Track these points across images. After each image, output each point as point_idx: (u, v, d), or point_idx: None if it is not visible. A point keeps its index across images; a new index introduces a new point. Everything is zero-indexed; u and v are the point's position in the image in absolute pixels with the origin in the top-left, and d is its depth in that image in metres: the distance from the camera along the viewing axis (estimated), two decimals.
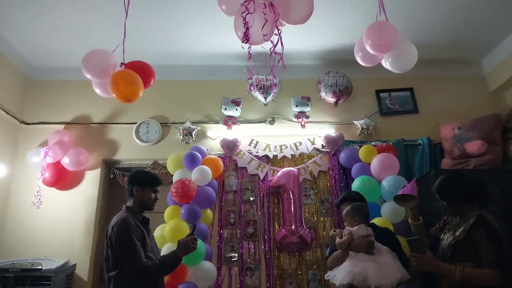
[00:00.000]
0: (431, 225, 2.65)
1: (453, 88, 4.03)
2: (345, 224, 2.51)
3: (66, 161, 3.57)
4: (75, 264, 3.34)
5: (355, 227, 2.38)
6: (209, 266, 3.12)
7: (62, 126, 3.87)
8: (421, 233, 2.48)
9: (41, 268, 3.00)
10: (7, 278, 2.20)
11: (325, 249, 2.95)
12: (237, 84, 3.88)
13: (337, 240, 2.42)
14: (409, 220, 2.61)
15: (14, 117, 3.76)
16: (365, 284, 2.19)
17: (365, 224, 2.41)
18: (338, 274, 2.30)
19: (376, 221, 2.93)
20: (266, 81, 3.76)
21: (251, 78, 3.67)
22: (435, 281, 2.38)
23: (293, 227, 3.40)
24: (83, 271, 3.39)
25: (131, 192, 2.56)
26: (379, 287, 2.17)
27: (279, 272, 3.46)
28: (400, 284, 2.29)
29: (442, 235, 2.36)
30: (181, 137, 3.78)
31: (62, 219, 3.54)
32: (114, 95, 2.55)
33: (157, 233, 3.13)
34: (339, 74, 3.84)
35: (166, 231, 3.05)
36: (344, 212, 2.51)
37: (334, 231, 2.53)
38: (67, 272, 3.18)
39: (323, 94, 3.86)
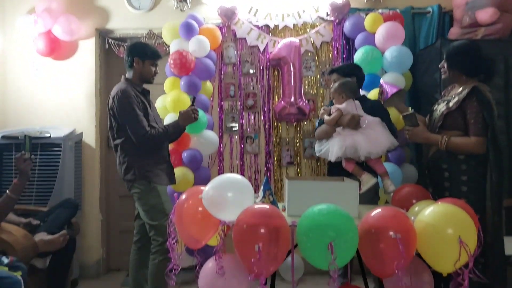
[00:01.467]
0: (429, 96, 2.68)
1: None
2: (333, 101, 2.55)
3: (57, 30, 3.41)
4: (82, 132, 3.48)
5: (343, 104, 2.42)
6: (211, 135, 3.26)
7: None
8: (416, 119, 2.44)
9: (49, 136, 3.14)
10: (23, 144, 2.30)
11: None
12: None
13: (326, 117, 2.47)
14: (401, 117, 2.51)
15: None
16: (357, 155, 2.32)
17: (353, 99, 2.44)
18: (330, 150, 2.41)
19: (375, 91, 2.95)
20: None
21: None
22: (424, 150, 2.53)
23: (292, 99, 3.45)
24: (90, 139, 3.54)
25: (130, 64, 2.53)
26: (369, 155, 2.31)
27: (277, 140, 3.63)
28: (389, 151, 2.44)
29: (437, 105, 2.41)
30: (175, 3, 3.54)
31: (62, 90, 3.55)
32: None
33: (158, 104, 3.19)
34: None
35: (167, 102, 3.10)
36: (332, 89, 2.53)
37: (324, 109, 2.57)
38: (75, 140, 3.33)
39: None
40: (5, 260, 2.01)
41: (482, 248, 1.63)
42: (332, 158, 2.38)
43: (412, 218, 1.68)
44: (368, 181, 2.34)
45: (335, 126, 2.41)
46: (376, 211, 1.63)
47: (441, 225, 1.53)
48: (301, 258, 2.97)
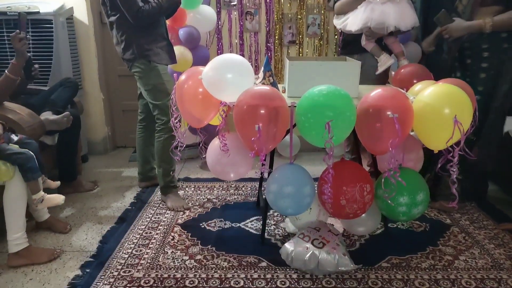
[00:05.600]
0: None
1: None
2: None
3: None
4: (72, 7, 3.27)
5: None
6: (208, 10, 3.08)
7: None
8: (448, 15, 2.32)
9: (38, 11, 2.97)
10: (18, 22, 2.18)
11: None
12: None
13: None
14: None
15: None
16: (382, 27, 2.29)
17: None
18: (353, 21, 2.34)
19: None
20: None
21: None
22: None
23: None
24: (81, 14, 3.34)
25: None
26: (398, 27, 2.29)
27: (279, 16, 3.45)
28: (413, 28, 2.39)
29: None
30: None
31: None
32: None
33: None
34: None
35: None
36: None
37: None
38: (66, 15, 3.15)
39: None
40: (15, 137, 2.09)
41: (474, 127, 1.68)
42: (354, 27, 2.34)
43: (412, 98, 1.69)
44: (386, 61, 2.41)
45: None
46: (376, 91, 1.63)
47: (439, 104, 1.55)
48: (297, 136, 3.10)
